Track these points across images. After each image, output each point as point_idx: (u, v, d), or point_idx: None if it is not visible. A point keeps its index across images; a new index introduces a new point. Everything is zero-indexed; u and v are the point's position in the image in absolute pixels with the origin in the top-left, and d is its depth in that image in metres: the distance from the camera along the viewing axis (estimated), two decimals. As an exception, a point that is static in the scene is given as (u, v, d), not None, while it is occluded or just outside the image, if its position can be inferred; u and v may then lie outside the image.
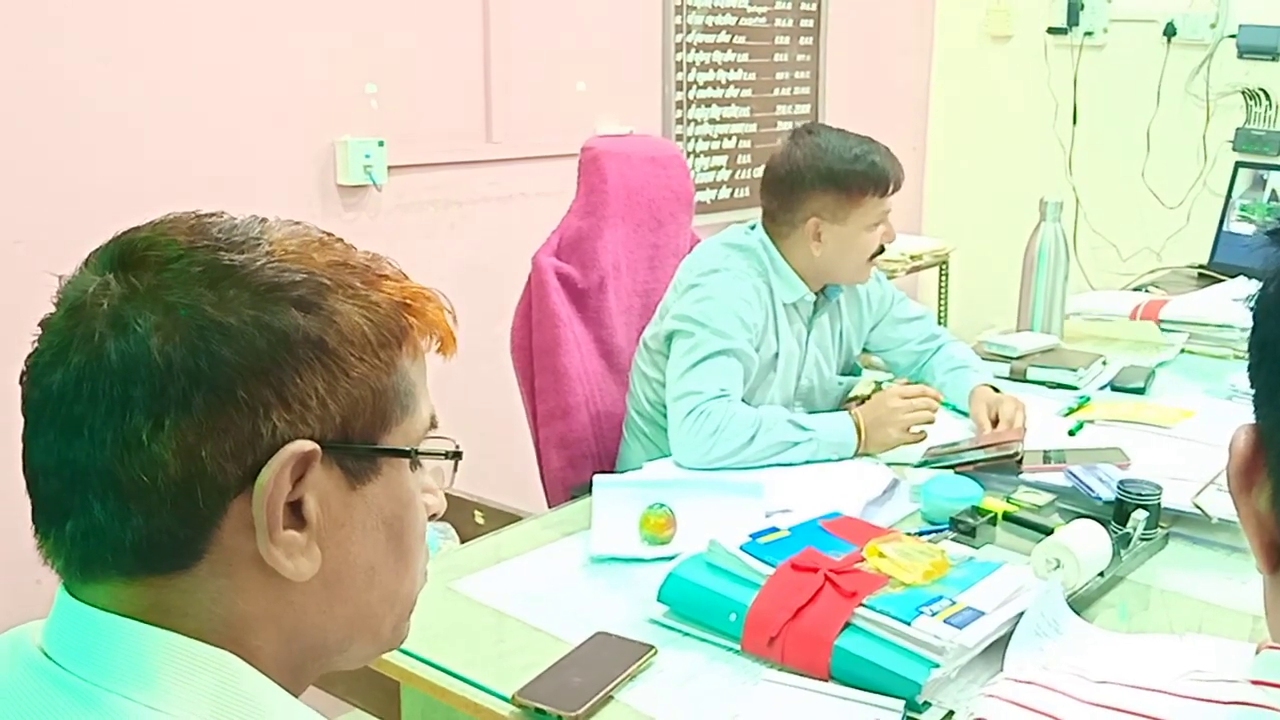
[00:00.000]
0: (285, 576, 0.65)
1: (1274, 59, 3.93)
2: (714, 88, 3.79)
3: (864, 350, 2.46)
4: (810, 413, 2.12)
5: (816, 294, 2.24)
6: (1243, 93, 4.01)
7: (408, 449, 0.71)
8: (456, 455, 0.75)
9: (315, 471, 0.65)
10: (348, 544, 0.69)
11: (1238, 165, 3.60)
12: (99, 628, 0.63)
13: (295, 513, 0.65)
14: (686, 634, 1.42)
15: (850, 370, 2.42)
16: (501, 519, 2.19)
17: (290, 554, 0.65)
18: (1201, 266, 3.52)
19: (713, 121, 3.81)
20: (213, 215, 0.69)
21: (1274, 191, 3.47)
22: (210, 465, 0.62)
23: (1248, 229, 3.48)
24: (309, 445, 0.64)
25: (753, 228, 2.24)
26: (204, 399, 0.62)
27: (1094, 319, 2.91)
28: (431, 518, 0.76)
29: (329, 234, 0.72)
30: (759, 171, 3.88)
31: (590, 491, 1.79)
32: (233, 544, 0.64)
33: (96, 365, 0.62)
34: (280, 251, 0.67)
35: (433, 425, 0.74)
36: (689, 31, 3.64)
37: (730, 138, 3.89)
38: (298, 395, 0.64)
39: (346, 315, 0.67)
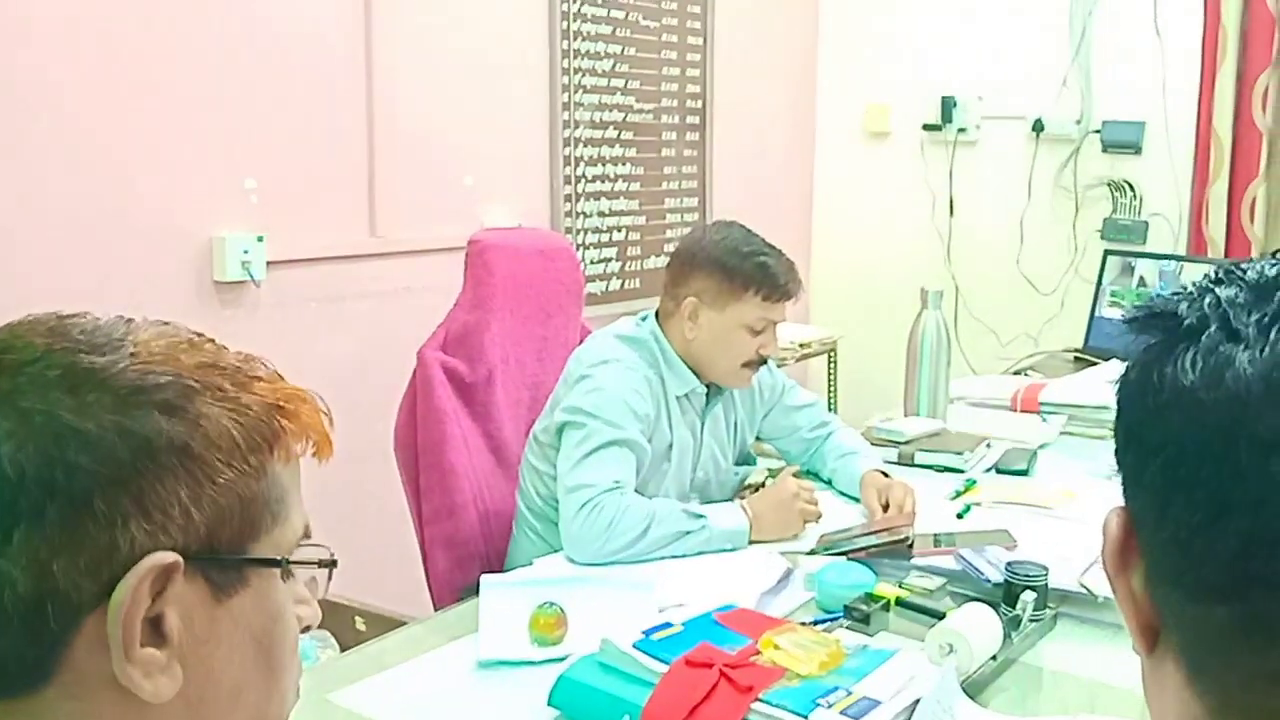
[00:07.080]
0: (143, 698, 0.61)
1: (1136, 152, 4.13)
2: (602, 181, 3.83)
3: (756, 438, 2.47)
4: (705, 503, 2.11)
5: (708, 385, 2.25)
6: (1108, 184, 4.20)
7: (278, 558, 0.68)
8: (331, 564, 0.72)
9: (177, 584, 0.62)
10: (212, 661, 0.65)
11: (1106, 253, 3.75)
12: None
13: (155, 629, 0.62)
14: (580, 737, 1.38)
15: (745, 459, 2.42)
16: (384, 625, 2.10)
17: (149, 673, 0.61)
18: (1077, 350, 3.64)
19: (602, 214, 3.84)
20: (75, 316, 0.66)
21: (1141, 278, 3.61)
22: (63, 581, 0.59)
23: (1118, 314, 3.61)
24: (170, 557, 0.61)
25: (644, 319, 2.24)
26: (58, 511, 0.58)
27: (977, 404, 2.97)
28: (305, 629, 0.73)
29: (199, 334, 0.69)
30: (649, 263, 3.95)
31: (478, 592, 1.74)
32: (86, 664, 0.60)
33: None
34: (145, 353, 0.64)
35: (306, 534, 0.71)
36: (576, 127, 3.68)
37: (620, 230, 3.92)
38: (159, 504, 0.61)
39: (214, 419, 0.64)
